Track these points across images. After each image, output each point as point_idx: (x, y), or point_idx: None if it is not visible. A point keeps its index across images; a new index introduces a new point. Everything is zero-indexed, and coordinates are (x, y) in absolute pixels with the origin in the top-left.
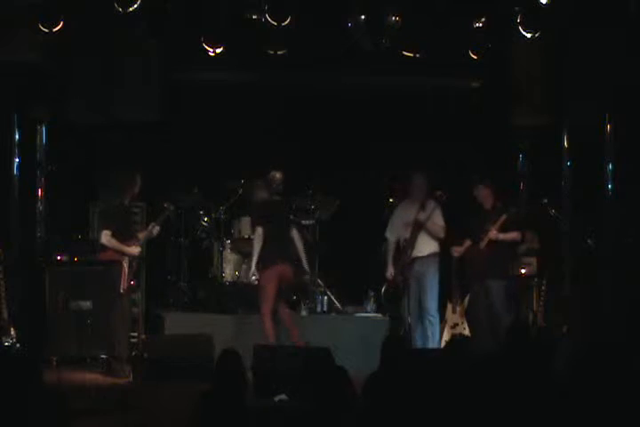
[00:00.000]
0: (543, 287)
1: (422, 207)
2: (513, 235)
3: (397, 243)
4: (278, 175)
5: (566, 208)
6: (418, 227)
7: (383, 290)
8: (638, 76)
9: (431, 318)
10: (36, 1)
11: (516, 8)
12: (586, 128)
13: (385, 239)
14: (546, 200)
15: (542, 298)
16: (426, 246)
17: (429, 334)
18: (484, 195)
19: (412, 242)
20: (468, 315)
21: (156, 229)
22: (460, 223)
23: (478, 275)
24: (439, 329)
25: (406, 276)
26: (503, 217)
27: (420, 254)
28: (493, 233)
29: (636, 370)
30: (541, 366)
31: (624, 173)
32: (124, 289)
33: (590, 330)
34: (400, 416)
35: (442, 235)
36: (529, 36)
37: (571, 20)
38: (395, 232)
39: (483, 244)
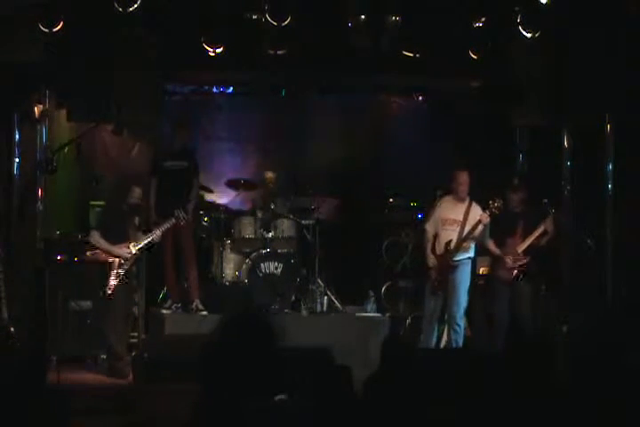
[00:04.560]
0: (543, 287)
1: (469, 207)
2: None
3: (435, 236)
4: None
5: (566, 208)
6: (462, 229)
7: (383, 290)
8: (638, 76)
9: (457, 327)
10: (35, 1)
11: (516, 8)
12: (586, 128)
13: (423, 231)
14: (546, 200)
15: (542, 298)
16: (466, 250)
17: (453, 343)
18: (519, 199)
19: (457, 245)
20: (469, 315)
21: (157, 235)
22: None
23: (507, 277)
24: (464, 337)
25: (445, 277)
26: (546, 224)
27: (459, 257)
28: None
29: (636, 369)
30: (542, 366)
31: (624, 173)
32: (110, 290)
33: (591, 330)
34: (400, 416)
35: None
36: (529, 36)
37: (571, 20)
38: (434, 226)
39: (522, 248)
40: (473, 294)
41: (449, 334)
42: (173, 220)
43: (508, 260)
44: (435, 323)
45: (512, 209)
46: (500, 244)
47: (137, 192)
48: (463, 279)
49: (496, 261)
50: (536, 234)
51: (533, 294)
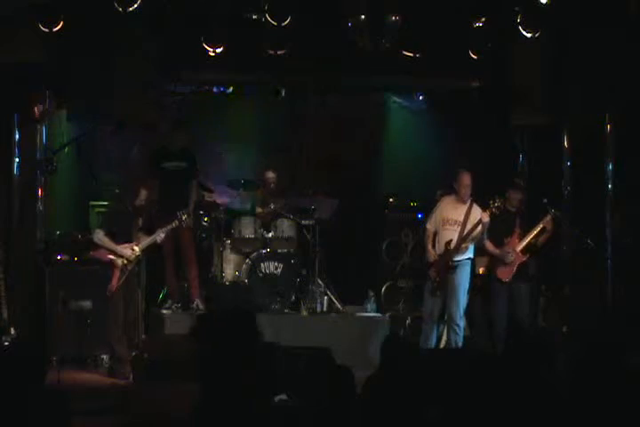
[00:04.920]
0: (543, 287)
1: (470, 208)
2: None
3: (434, 233)
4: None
5: (566, 208)
6: (463, 229)
7: (383, 290)
8: (638, 76)
9: (456, 328)
10: (36, 1)
11: (516, 8)
12: (586, 128)
13: (424, 229)
14: (546, 200)
15: (542, 298)
16: (466, 251)
17: (453, 343)
18: (519, 199)
19: (457, 246)
20: (468, 315)
21: (160, 237)
22: None
23: (506, 277)
24: (463, 337)
25: (443, 278)
26: (545, 222)
27: (459, 258)
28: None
29: (636, 370)
30: (541, 367)
31: (624, 173)
32: (110, 291)
33: (591, 330)
34: (400, 416)
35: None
36: (529, 36)
37: (571, 20)
38: (434, 224)
39: (520, 247)
40: (472, 294)
41: (448, 335)
42: (176, 222)
43: (509, 254)
44: (434, 323)
45: (510, 209)
46: (497, 244)
47: (143, 194)
48: (463, 280)
49: (494, 262)
50: (534, 232)
51: (533, 294)
